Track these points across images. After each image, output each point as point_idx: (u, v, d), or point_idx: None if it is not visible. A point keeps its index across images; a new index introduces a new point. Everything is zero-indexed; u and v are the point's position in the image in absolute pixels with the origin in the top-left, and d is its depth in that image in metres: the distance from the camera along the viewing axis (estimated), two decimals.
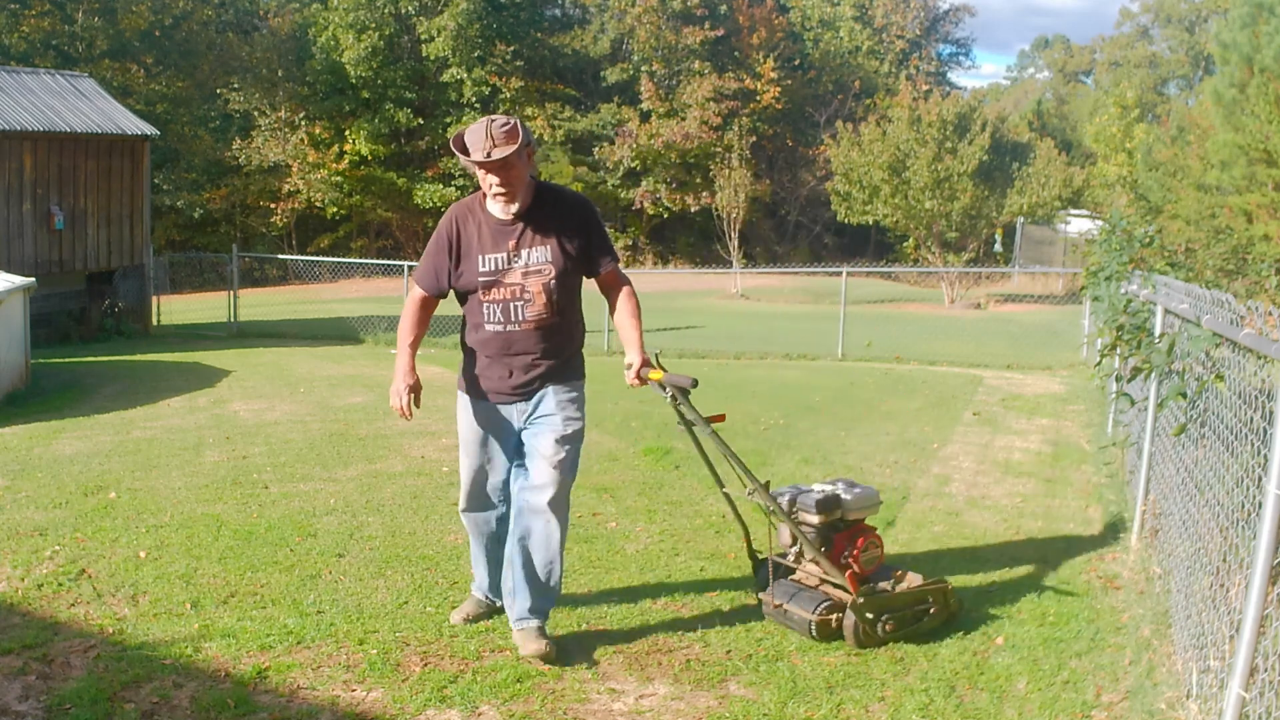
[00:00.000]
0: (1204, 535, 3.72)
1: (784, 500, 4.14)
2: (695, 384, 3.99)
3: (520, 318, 3.73)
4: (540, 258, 3.71)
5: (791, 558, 4.24)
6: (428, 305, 3.87)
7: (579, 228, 3.78)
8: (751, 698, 3.55)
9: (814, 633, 3.93)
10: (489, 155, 3.56)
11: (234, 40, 35.92)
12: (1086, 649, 4.01)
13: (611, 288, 3.92)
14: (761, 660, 3.86)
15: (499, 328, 3.74)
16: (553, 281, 3.72)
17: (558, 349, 3.80)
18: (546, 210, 3.75)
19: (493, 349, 3.78)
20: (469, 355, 3.88)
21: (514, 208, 3.70)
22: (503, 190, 3.66)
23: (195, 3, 34.27)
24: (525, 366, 3.77)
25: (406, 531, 5.39)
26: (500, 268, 3.71)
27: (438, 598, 4.38)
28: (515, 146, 3.57)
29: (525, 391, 3.80)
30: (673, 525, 5.60)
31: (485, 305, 3.74)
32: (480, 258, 3.72)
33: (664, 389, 4.07)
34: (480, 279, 3.72)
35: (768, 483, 4.18)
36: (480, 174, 3.65)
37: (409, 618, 4.14)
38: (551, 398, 3.79)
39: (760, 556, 4.33)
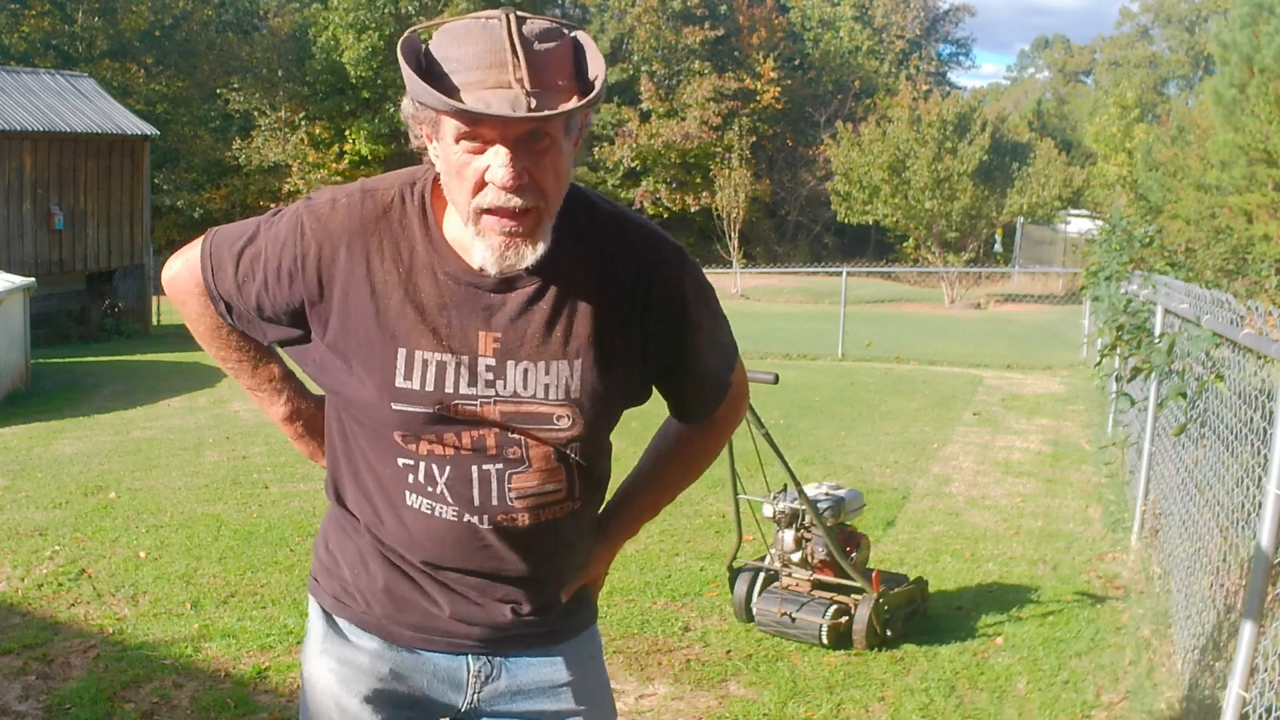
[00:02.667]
0: (1204, 535, 3.72)
1: (791, 505, 4.14)
2: (776, 379, 3.85)
3: (495, 502, 1.50)
4: (557, 382, 1.48)
5: (790, 564, 4.23)
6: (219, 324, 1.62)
7: (656, 321, 1.52)
8: (751, 698, 3.55)
9: (824, 639, 3.93)
10: (522, 106, 1.29)
11: (234, 40, 35.90)
12: (1086, 649, 4.01)
13: (700, 422, 1.77)
14: (761, 660, 3.86)
15: (435, 513, 1.50)
16: (578, 440, 1.52)
17: (568, 563, 1.64)
18: (590, 260, 1.48)
19: (419, 550, 1.53)
20: (341, 530, 1.62)
21: (530, 250, 1.39)
22: (518, 202, 1.34)
23: (195, 3, 34.26)
24: (494, 598, 1.57)
25: None
26: (453, 390, 1.45)
27: None
28: (584, 97, 1.36)
29: (489, 641, 1.59)
30: (673, 525, 5.60)
31: (405, 460, 1.49)
32: (403, 357, 1.45)
33: None
34: (398, 406, 1.46)
35: (784, 487, 4.19)
36: (458, 147, 1.34)
37: None
38: (572, 682, 1.65)
39: (736, 567, 4.31)
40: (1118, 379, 6.11)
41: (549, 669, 1.64)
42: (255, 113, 35.23)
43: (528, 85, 1.28)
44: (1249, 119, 12.33)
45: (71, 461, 7.01)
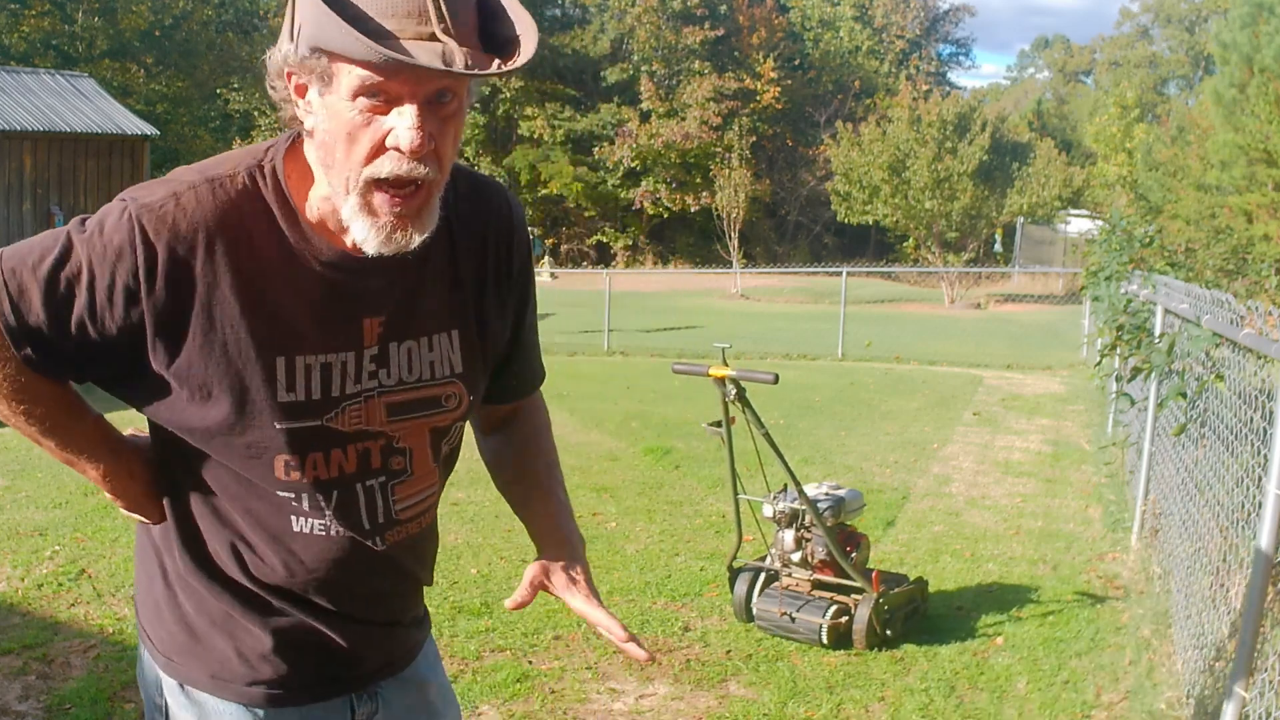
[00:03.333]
0: (1204, 535, 3.73)
1: (791, 505, 4.14)
2: (776, 379, 3.84)
3: (382, 520, 1.37)
4: (441, 358, 1.37)
5: (790, 564, 4.23)
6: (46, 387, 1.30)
7: (519, 278, 1.46)
8: (751, 698, 3.55)
9: (824, 639, 3.93)
10: (456, 61, 1.13)
11: (234, 40, 35.92)
12: (1086, 649, 4.01)
13: (515, 410, 1.60)
14: (761, 660, 3.86)
15: (330, 532, 1.35)
16: (460, 421, 1.43)
17: (430, 567, 1.54)
18: (464, 233, 1.39)
19: (317, 580, 1.37)
20: (193, 592, 1.37)
21: (418, 233, 1.23)
22: (420, 171, 1.19)
23: (195, 3, 34.27)
24: (377, 621, 1.45)
25: None
26: (339, 392, 1.29)
27: (438, 598, 4.38)
28: (520, 56, 1.20)
29: (376, 670, 1.47)
30: (673, 525, 5.60)
31: (285, 491, 1.31)
32: (283, 367, 1.26)
33: (726, 385, 3.87)
34: (283, 424, 1.27)
35: (785, 487, 4.19)
36: (355, 104, 1.16)
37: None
38: (430, 685, 1.57)
39: (736, 567, 4.32)
40: (1118, 379, 6.12)
41: (415, 689, 1.52)
42: (255, 113, 35.22)
43: (453, 38, 1.13)
44: (1249, 119, 12.33)
45: None
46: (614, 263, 35.66)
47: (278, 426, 1.26)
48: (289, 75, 1.20)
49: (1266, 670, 2.69)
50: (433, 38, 1.12)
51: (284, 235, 1.25)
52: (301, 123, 1.23)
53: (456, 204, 1.36)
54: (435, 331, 1.35)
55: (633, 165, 36.78)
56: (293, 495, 1.31)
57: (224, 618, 1.36)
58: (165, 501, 1.37)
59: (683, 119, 36.78)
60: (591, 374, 12.05)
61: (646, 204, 37.04)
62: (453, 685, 3.58)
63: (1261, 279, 9.83)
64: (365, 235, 1.21)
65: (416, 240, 1.23)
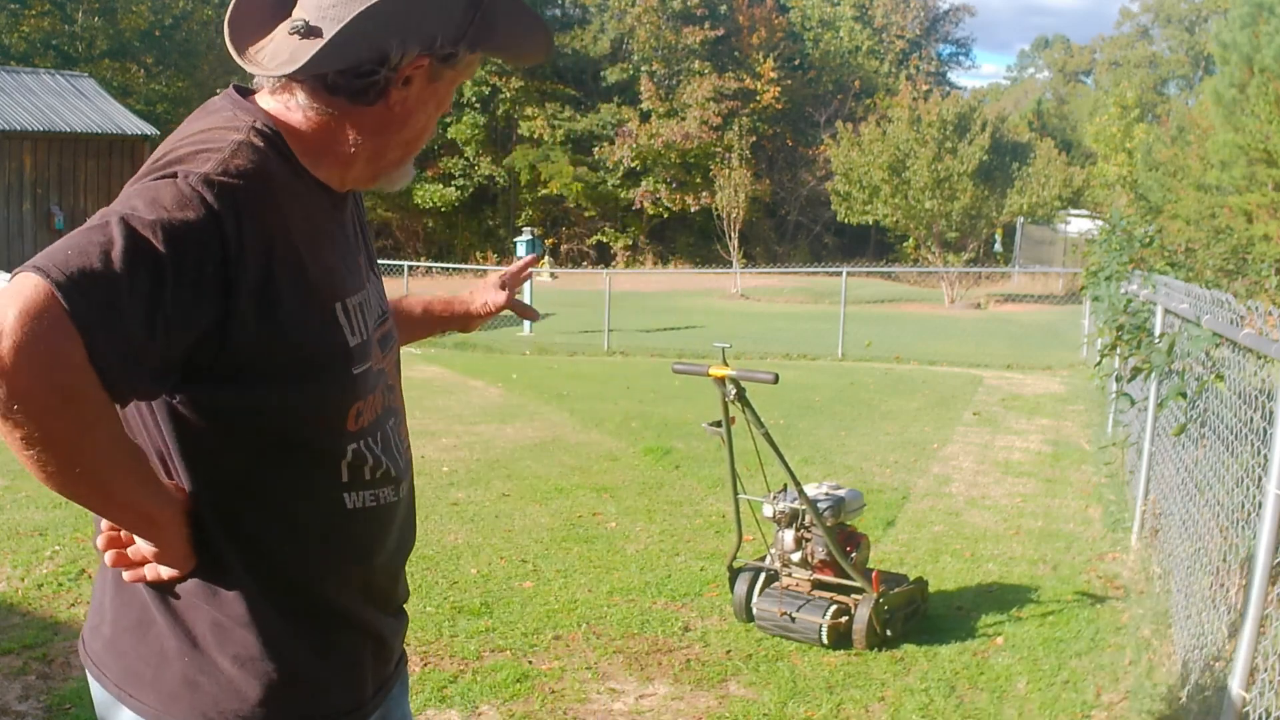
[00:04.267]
0: (1204, 535, 3.73)
1: (791, 505, 4.14)
2: (776, 379, 3.84)
3: (402, 460, 1.43)
4: (382, 294, 1.47)
5: (790, 564, 4.23)
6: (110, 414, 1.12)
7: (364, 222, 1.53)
8: (751, 698, 3.55)
9: (824, 639, 3.93)
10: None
11: None
12: (1086, 649, 4.01)
13: None
14: (761, 660, 3.86)
15: (381, 500, 1.37)
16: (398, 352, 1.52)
17: None
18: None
19: (370, 564, 1.38)
20: (271, 617, 1.28)
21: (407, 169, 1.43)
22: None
23: (195, 3, 34.26)
24: (401, 600, 1.52)
25: None
26: (370, 332, 1.35)
27: (437, 598, 4.38)
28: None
29: (394, 671, 1.51)
30: (673, 525, 5.60)
31: (352, 444, 1.31)
32: (341, 311, 1.29)
33: (726, 385, 3.88)
34: (358, 368, 1.30)
35: (785, 487, 4.19)
36: (446, 95, 1.41)
37: (409, 618, 4.13)
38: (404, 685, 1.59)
39: (736, 567, 4.32)
40: (1118, 379, 6.11)
41: (402, 685, 1.54)
42: None
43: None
44: (1249, 119, 12.33)
45: None
46: (614, 263, 35.66)
47: (354, 372, 1.27)
48: (424, 60, 1.28)
49: (1266, 670, 2.69)
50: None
51: (305, 183, 1.28)
52: (382, 100, 1.29)
53: None
54: (374, 270, 1.45)
55: (633, 165, 36.77)
56: (358, 448, 1.30)
57: (289, 657, 1.27)
58: (215, 547, 1.25)
59: (683, 119, 36.78)
60: (591, 374, 12.05)
61: (646, 204, 37.04)
62: (453, 685, 3.59)
63: (1261, 279, 9.83)
64: (408, 179, 1.42)
65: (407, 174, 1.43)
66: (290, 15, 1.27)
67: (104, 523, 1.28)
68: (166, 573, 1.25)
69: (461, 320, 1.87)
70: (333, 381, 1.25)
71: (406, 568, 1.53)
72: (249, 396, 1.20)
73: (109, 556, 1.28)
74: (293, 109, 1.28)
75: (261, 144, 1.23)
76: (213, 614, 1.25)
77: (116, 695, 1.29)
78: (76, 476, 1.11)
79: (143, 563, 1.26)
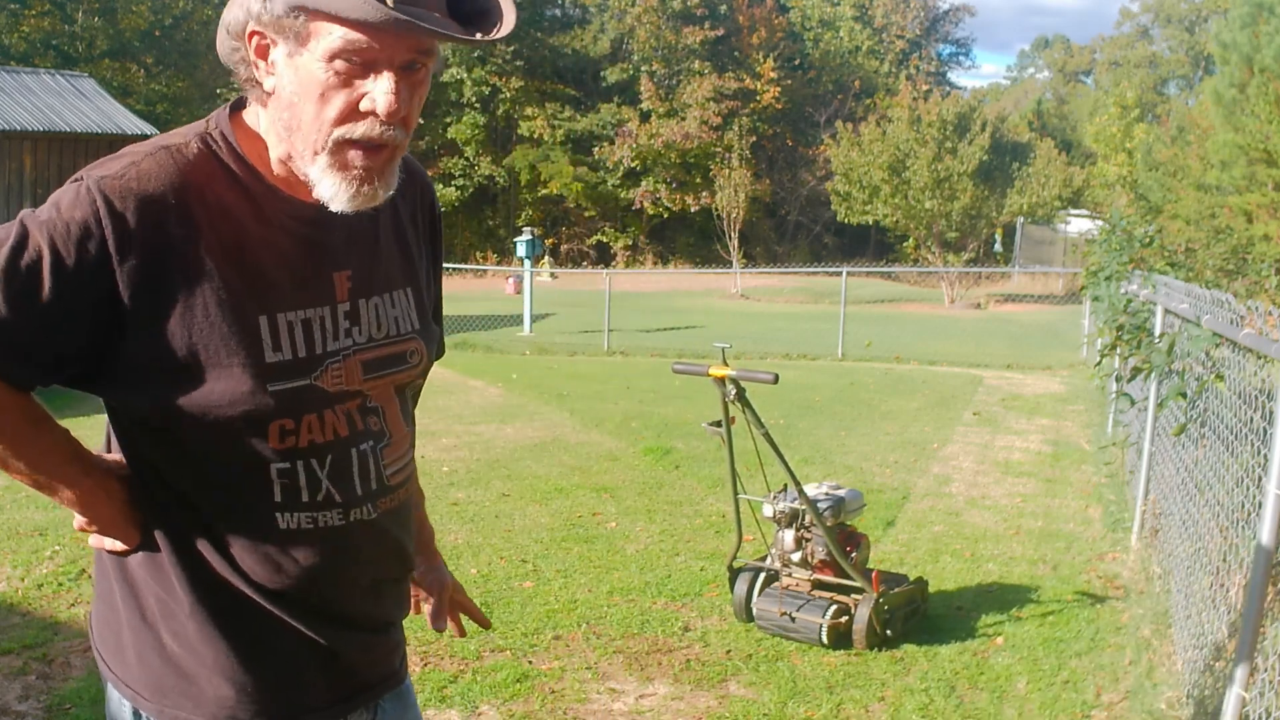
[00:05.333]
0: (1204, 535, 3.73)
1: (791, 505, 4.14)
2: (776, 379, 3.84)
3: (375, 486, 1.35)
4: (404, 314, 1.39)
5: (790, 564, 4.23)
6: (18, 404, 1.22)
7: (438, 244, 1.53)
8: (751, 698, 3.55)
9: (824, 639, 3.93)
10: (452, 26, 1.21)
11: None
12: (1086, 649, 4.01)
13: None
14: (761, 660, 3.86)
15: (319, 523, 1.30)
16: (422, 376, 1.46)
17: (413, 539, 1.52)
18: (401, 196, 1.38)
19: (304, 584, 1.31)
20: (197, 610, 1.29)
21: (383, 190, 1.26)
22: (390, 134, 1.21)
23: (195, 3, 34.28)
24: (376, 623, 1.45)
25: None
26: (322, 349, 1.28)
27: None
28: (501, 27, 1.25)
29: (372, 686, 1.45)
30: (673, 525, 5.60)
31: (280, 464, 1.27)
32: (266, 326, 1.24)
33: (726, 385, 3.87)
34: (275, 386, 1.23)
35: (785, 487, 4.19)
36: (330, 66, 1.17)
37: (408, 619, 4.13)
38: (412, 699, 1.58)
39: (736, 567, 4.32)
40: (1118, 379, 6.11)
41: (406, 704, 1.52)
42: None
43: (436, 5, 1.18)
44: (1249, 119, 12.33)
45: None
46: (614, 263, 35.66)
47: (270, 389, 1.22)
48: (252, 35, 1.19)
49: (1266, 670, 2.69)
50: (394, 6, 1.13)
51: (248, 193, 1.23)
52: (260, 84, 1.22)
53: (407, 179, 1.39)
54: (396, 288, 1.37)
55: (633, 165, 36.78)
56: (284, 474, 1.25)
57: (222, 651, 1.29)
58: (153, 529, 1.28)
59: (683, 119, 36.79)
60: (591, 374, 12.05)
61: (646, 204, 37.04)
62: (453, 685, 3.59)
63: (1261, 279, 9.83)
64: (335, 192, 1.21)
65: (382, 196, 1.24)
66: None
67: None
68: (109, 543, 1.31)
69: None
70: (243, 394, 1.20)
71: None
72: (152, 397, 1.20)
73: (75, 520, 1.33)
74: (254, 115, 1.27)
75: (197, 151, 1.22)
76: (157, 590, 1.29)
77: (99, 662, 1.37)
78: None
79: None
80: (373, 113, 1.18)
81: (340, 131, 1.18)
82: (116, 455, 1.32)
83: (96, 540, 1.32)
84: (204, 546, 1.27)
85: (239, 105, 1.30)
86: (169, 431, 1.23)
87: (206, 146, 1.23)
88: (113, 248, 1.14)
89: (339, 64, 1.16)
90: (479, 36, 1.20)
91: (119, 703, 1.34)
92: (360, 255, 1.32)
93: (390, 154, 1.23)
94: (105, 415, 1.33)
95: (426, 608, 1.69)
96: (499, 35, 1.21)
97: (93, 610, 1.41)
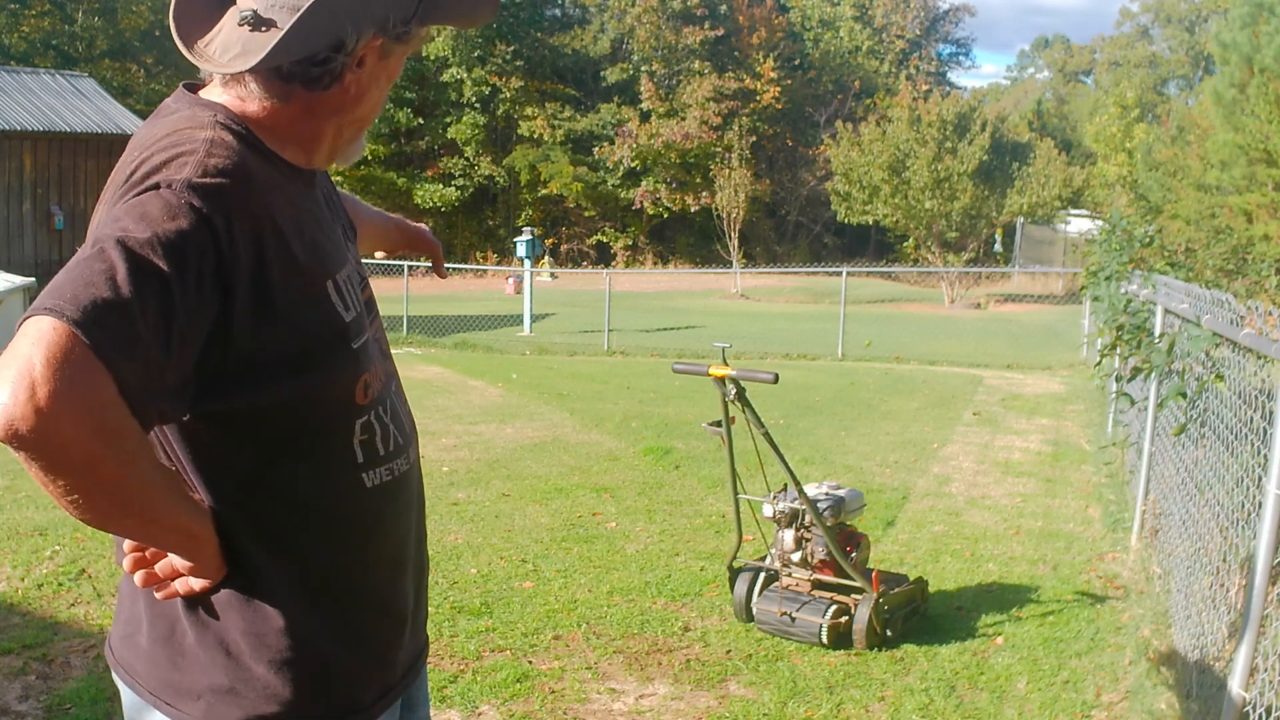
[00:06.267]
0: (1204, 535, 3.73)
1: (791, 505, 4.14)
2: (776, 379, 3.84)
3: (408, 424, 1.45)
4: (360, 265, 1.48)
5: (790, 564, 4.23)
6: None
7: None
8: (751, 698, 3.55)
9: (824, 639, 3.93)
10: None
11: None
12: (1086, 649, 4.01)
13: None
14: (761, 660, 3.86)
15: (395, 473, 1.38)
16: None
17: None
18: None
19: (394, 541, 1.40)
20: (259, 645, 1.27)
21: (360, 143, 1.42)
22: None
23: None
24: (424, 578, 1.51)
25: None
26: (361, 304, 1.36)
27: (437, 598, 4.38)
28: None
29: (422, 653, 1.53)
30: (673, 525, 5.60)
31: (362, 418, 1.32)
32: (333, 288, 1.30)
33: (726, 385, 3.88)
34: (356, 342, 1.31)
35: (785, 487, 4.19)
36: (399, 69, 1.37)
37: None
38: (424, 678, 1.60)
39: (736, 567, 4.32)
40: (1118, 379, 6.11)
41: (422, 680, 1.56)
42: None
43: None
44: (1249, 119, 12.34)
45: None
46: (614, 263, 35.66)
47: (354, 346, 1.28)
48: (377, 41, 1.27)
49: (1266, 670, 2.69)
50: None
51: (280, 167, 1.28)
52: (336, 84, 1.27)
53: None
54: (349, 239, 1.46)
55: (633, 165, 36.79)
56: (367, 420, 1.30)
57: (323, 653, 1.29)
58: (248, 548, 1.25)
59: (683, 119, 36.79)
60: (591, 374, 12.05)
61: (646, 204, 37.05)
62: (453, 685, 3.59)
63: (1261, 279, 9.84)
64: (359, 152, 1.41)
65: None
66: (235, 4, 1.25)
67: (127, 543, 1.26)
68: (198, 584, 1.24)
69: (402, 239, 1.88)
70: (337, 360, 1.26)
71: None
72: (259, 392, 1.19)
73: (139, 577, 1.26)
74: (248, 99, 1.27)
75: (231, 137, 1.23)
76: (243, 623, 1.25)
77: (151, 703, 1.30)
78: (124, 512, 1.12)
79: (172, 578, 1.25)
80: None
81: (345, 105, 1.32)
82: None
83: (184, 585, 1.24)
84: (297, 535, 1.26)
85: (192, 87, 1.33)
86: (269, 426, 1.22)
87: (231, 132, 1.24)
88: (223, 246, 1.13)
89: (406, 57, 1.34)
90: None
91: None
92: (337, 213, 1.43)
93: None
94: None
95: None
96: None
97: (142, 653, 1.32)
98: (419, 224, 1.91)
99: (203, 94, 1.30)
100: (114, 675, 1.35)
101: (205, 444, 1.21)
